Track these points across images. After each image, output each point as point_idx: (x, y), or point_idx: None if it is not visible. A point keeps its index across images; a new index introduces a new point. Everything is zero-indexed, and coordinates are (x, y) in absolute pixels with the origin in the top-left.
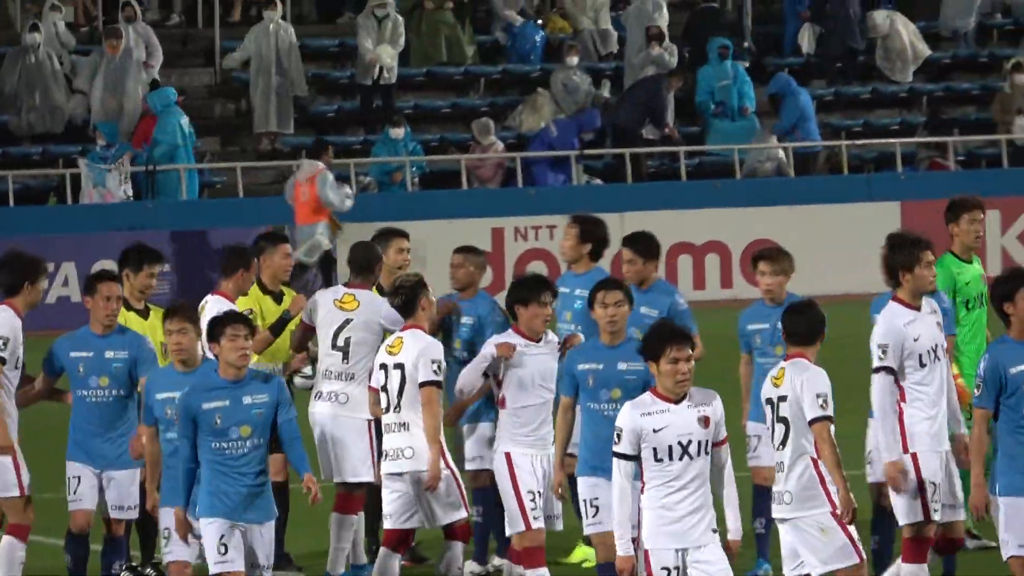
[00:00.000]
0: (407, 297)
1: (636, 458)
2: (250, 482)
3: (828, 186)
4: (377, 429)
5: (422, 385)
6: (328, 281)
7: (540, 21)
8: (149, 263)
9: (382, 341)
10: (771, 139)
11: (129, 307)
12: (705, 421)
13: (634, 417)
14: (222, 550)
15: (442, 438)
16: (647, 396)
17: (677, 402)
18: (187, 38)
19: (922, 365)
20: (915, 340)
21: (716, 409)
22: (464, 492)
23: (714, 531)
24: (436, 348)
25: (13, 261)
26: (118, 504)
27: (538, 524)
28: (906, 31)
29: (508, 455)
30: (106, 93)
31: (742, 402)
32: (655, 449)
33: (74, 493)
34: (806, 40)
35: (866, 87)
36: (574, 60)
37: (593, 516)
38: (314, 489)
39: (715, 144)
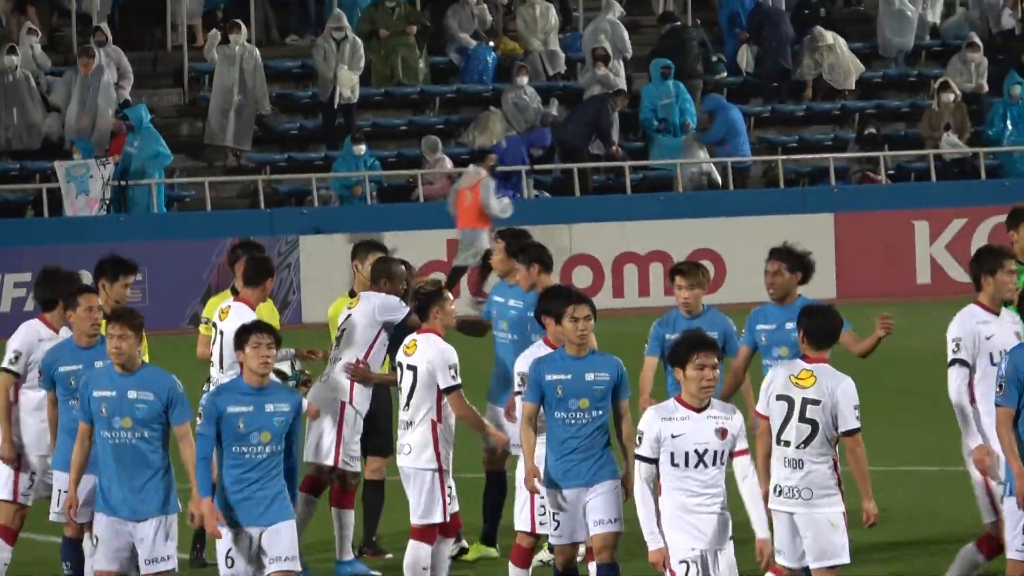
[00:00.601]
0: (421, 303)
1: (655, 461)
2: (266, 485)
3: (765, 198)
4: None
5: (446, 392)
6: (483, 280)
7: (492, 43)
8: (124, 273)
9: (380, 331)
10: (699, 152)
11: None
12: (722, 433)
13: (655, 421)
14: (228, 563)
15: (439, 434)
16: (671, 402)
17: (699, 411)
18: (156, 60)
19: (993, 364)
20: (988, 339)
21: (735, 423)
22: (446, 493)
23: (731, 538)
24: (450, 354)
25: (50, 278)
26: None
27: (541, 531)
28: (844, 47)
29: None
30: (80, 110)
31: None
32: (672, 454)
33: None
34: (744, 60)
35: (800, 104)
36: (524, 80)
37: (555, 529)
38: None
39: (658, 159)
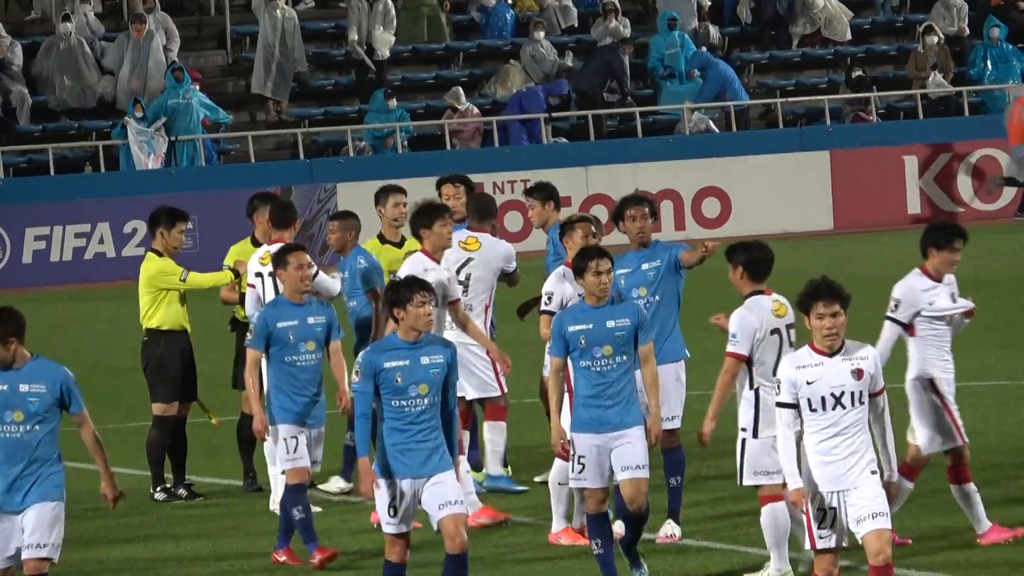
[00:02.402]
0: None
1: (796, 406)
2: (427, 437)
3: (765, 139)
4: None
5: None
6: None
7: (510, 1)
8: (179, 220)
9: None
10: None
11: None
12: (859, 373)
13: (791, 370)
14: (391, 512)
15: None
16: (804, 350)
17: (831, 355)
18: (201, 24)
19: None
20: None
21: (871, 361)
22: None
23: (873, 472)
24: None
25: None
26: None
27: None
28: (834, 2)
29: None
30: (132, 73)
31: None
32: (809, 400)
33: (293, 452)
34: (744, 11)
35: (796, 51)
36: (540, 34)
37: (579, 472)
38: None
39: (666, 104)
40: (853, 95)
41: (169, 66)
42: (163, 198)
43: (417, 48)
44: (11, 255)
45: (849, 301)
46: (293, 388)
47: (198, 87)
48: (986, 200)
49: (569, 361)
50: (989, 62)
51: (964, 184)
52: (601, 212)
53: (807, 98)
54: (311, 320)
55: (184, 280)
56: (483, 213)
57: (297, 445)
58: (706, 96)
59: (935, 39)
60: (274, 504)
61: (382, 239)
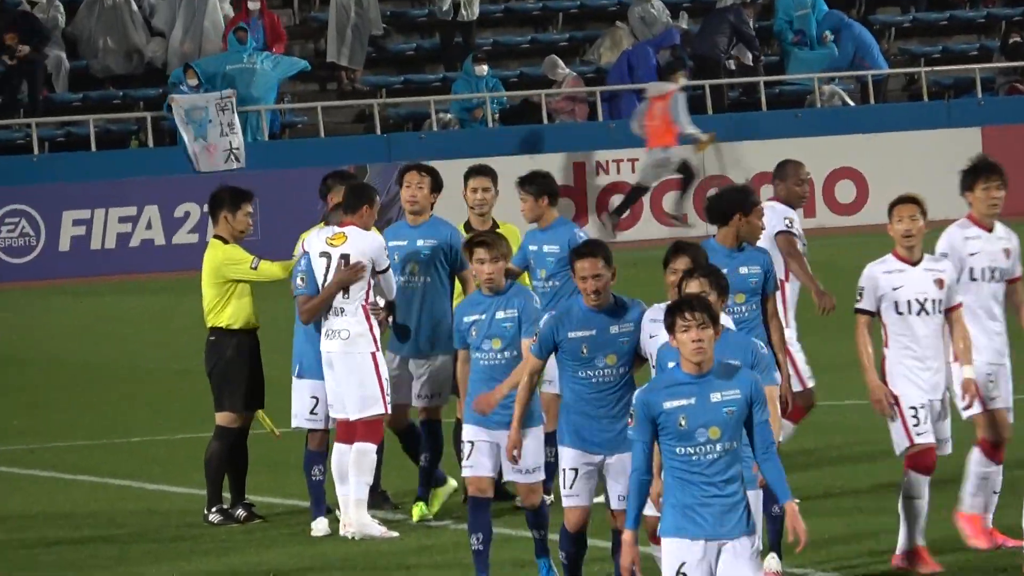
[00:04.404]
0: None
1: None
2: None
3: (907, 113)
4: None
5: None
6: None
7: None
8: (244, 201)
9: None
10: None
11: None
12: (939, 283)
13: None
14: (569, 483)
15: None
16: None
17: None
18: None
19: (973, 279)
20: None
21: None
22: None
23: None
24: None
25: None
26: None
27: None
28: None
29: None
30: (184, 35)
31: None
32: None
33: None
34: None
35: (943, 13)
36: None
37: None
38: None
39: (794, 73)
40: (1009, 63)
41: (231, 27)
42: (220, 177)
43: (510, 8)
44: (46, 241)
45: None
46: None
47: (275, 50)
48: None
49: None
50: None
51: None
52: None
53: (956, 67)
54: (614, 330)
55: (256, 268)
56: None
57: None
58: (839, 64)
59: None
60: (345, 528)
61: (468, 227)
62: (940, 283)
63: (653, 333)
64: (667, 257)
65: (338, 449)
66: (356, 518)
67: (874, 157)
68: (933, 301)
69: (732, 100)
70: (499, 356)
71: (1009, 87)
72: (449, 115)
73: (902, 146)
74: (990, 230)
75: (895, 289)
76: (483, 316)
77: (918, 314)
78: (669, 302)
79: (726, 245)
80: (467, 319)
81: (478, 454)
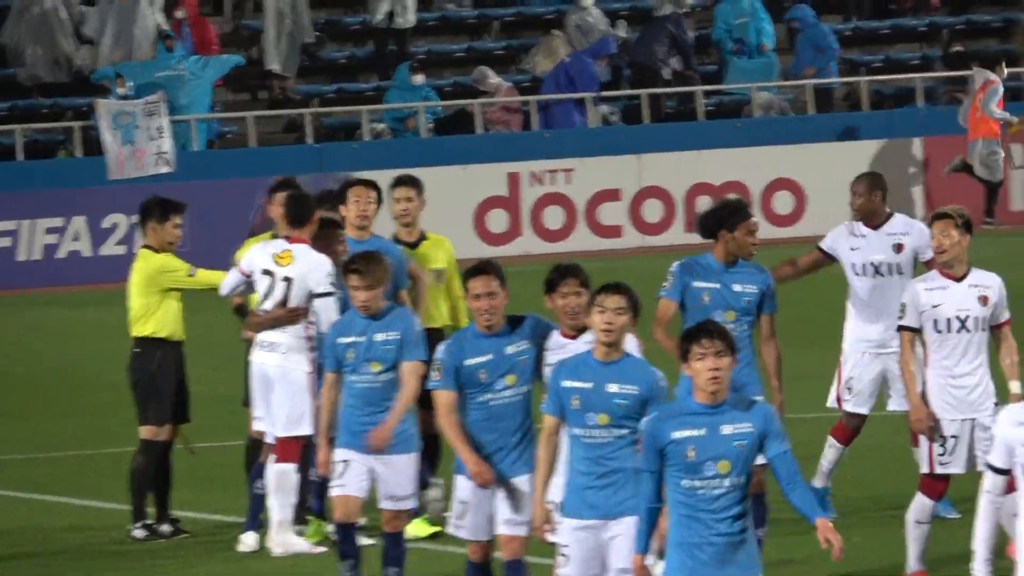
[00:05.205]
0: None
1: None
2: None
3: (848, 122)
4: None
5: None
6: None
7: None
8: (173, 213)
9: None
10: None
11: None
12: (984, 300)
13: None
14: (458, 515)
15: None
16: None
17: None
18: None
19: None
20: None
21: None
22: None
23: (996, 404)
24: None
25: None
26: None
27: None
28: None
29: None
30: (115, 42)
31: None
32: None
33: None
34: None
35: (885, 22)
36: (589, 1)
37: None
38: None
39: (733, 83)
40: (951, 73)
41: (160, 34)
42: (150, 188)
43: (446, 16)
44: None
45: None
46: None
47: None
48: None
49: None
50: None
51: None
52: (655, 208)
53: (897, 76)
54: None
55: (193, 276)
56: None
57: None
58: (800, 64)
59: None
60: (272, 543)
61: (396, 239)
62: (984, 300)
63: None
64: (551, 282)
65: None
66: (281, 539)
67: (812, 168)
68: (975, 318)
69: (669, 110)
70: (378, 379)
71: (950, 97)
72: (382, 125)
73: (841, 156)
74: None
75: (935, 307)
76: (361, 338)
77: (959, 331)
78: (687, 329)
79: (719, 261)
80: (342, 341)
81: (351, 474)
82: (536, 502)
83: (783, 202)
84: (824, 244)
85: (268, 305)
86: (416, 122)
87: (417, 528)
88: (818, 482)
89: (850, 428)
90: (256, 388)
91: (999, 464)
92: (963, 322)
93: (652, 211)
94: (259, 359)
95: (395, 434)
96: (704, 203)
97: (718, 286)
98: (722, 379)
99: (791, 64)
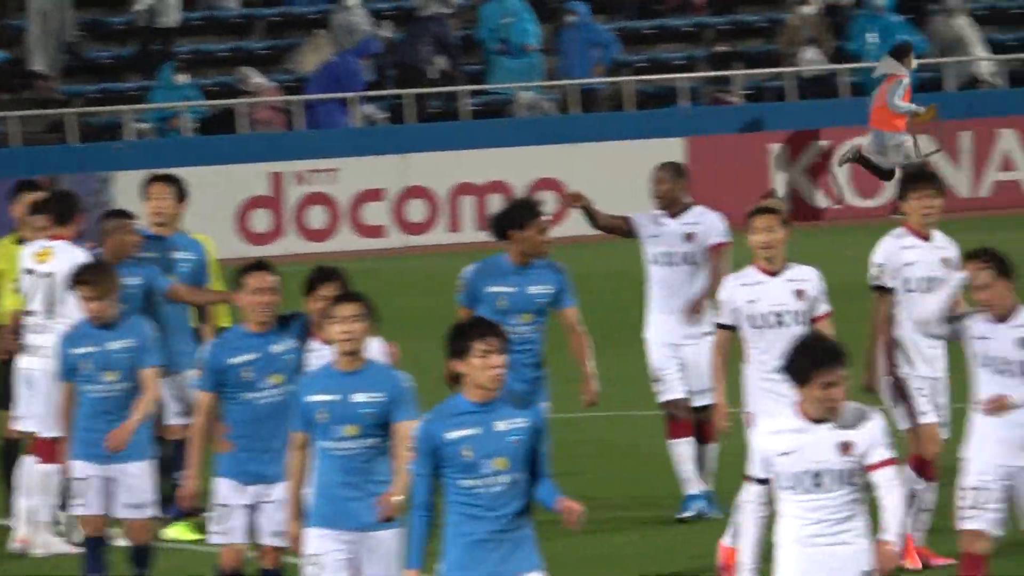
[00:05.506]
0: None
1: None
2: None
3: (612, 122)
4: None
5: None
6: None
7: None
8: None
9: None
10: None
11: None
12: (800, 294)
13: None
14: (219, 519)
15: None
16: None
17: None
18: None
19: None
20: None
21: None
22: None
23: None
24: None
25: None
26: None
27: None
28: None
29: None
30: None
31: None
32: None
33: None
34: None
35: (651, 21)
36: (353, 0)
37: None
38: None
39: (498, 82)
40: (715, 73)
41: None
42: None
43: (211, 15)
44: None
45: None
46: None
47: None
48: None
49: None
50: (873, 35)
51: (840, 176)
52: (419, 208)
53: (661, 76)
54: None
55: None
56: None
57: None
58: (584, 63)
59: (810, 8)
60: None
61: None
62: (800, 294)
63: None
64: (312, 283)
65: (28, 462)
66: (43, 540)
67: (578, 168)
68: (792, 312)
69: (434, 109)
70: (115, 388)
71: (714, 97)
72: (146, 124)
73: (606, 156)
74: (927, 239)
75: (751, 302)
76: (96, 348)
77: (775, 326)
78: (463, 323)
79: (514, 262)
80: (76, 351)
81: (90, 492)
82: (291, 513)
83: (548, 202)
84: (633, 216)
85: (35, 305)
86: (180, 122)
87: (181, 532)
88: (692, 488)
89: (679, 419)
90: (23, 390)
91: (759, 474)
92: (779, 317)
93: (416, 211)
94: (25, 363)
95: (129, 443)
96: (468, 203)
97: (514, 289)
98: (503, 377)
99: (560, 64)
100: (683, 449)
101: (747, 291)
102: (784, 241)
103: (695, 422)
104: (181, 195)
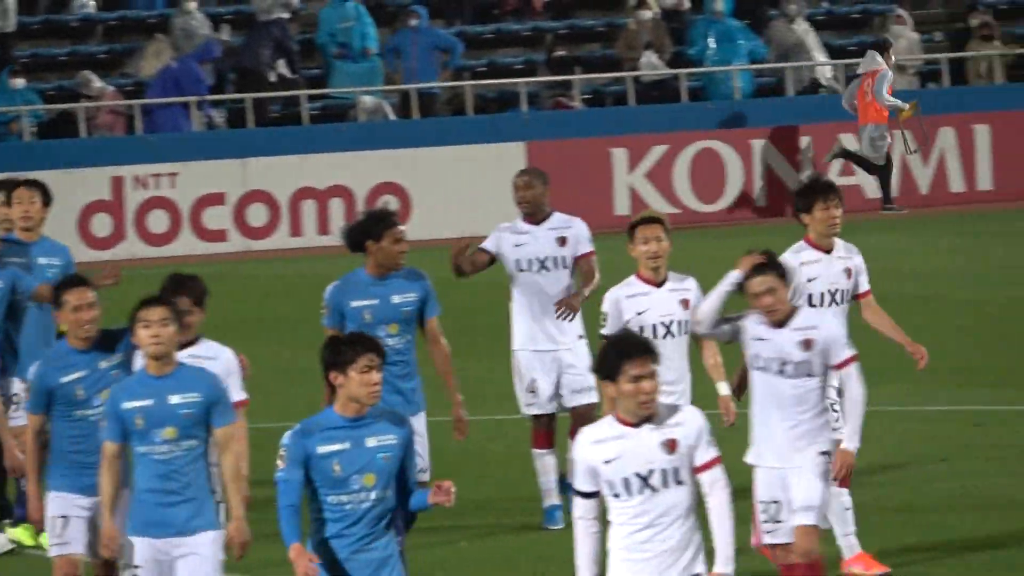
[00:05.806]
0: None
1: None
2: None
3: (453, 127)
4: None
5: None
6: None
7: None
8: None
9: None
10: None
11: None
12: (685, 303)
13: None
14: (58, 529)
15: None
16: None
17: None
18: None
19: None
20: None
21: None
22: None
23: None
24: None
25: None
26: None
27: None
28: None
29: None
30: None
31: None
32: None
33: None
34: None
35: (489, 26)
36: (192, 4)
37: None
38: None
39: (338, 86)
40: (554, 78)
41: None
42: None
43: (49, 19)
44: None
45: None
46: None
47: None
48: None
49: None
50: (712, 40)
51: (681, 181)
52: (260, 212)
53: (501, 80)
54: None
55: None
56: None
57: None
58: (430, 67)
59: (649, 13)
60: None
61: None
62: (686, 303)
63: None
64: (165, 291)
65: None
66: None
67: (418, 172)
68: (679, 323)
69: (274, 114)
70: None
71: (554, 101)
72: None
73: (446, 161)
74: (829, 251)
75: (640, 313)
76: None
77: (664, 337)
78: (343, 336)
79: (372, 274)
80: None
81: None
82: (105, 523)
83: (391, 204)
84: (487, 245)
85: None
86: (19, 126)
87: (23, 535)
88: (552, 499)
89: (544, 430)
90: None
91: (585, 488)
92: (668, 327)
93: (257, 215)
94: None
95: None
96: (310, 207)
97: (376, 301)
98: (380, 392)
99: (405, 67)
100: (547, 460)
101: (634, 302)
102: (669, 251)
103: (576, 417)
104: (47, 200)
